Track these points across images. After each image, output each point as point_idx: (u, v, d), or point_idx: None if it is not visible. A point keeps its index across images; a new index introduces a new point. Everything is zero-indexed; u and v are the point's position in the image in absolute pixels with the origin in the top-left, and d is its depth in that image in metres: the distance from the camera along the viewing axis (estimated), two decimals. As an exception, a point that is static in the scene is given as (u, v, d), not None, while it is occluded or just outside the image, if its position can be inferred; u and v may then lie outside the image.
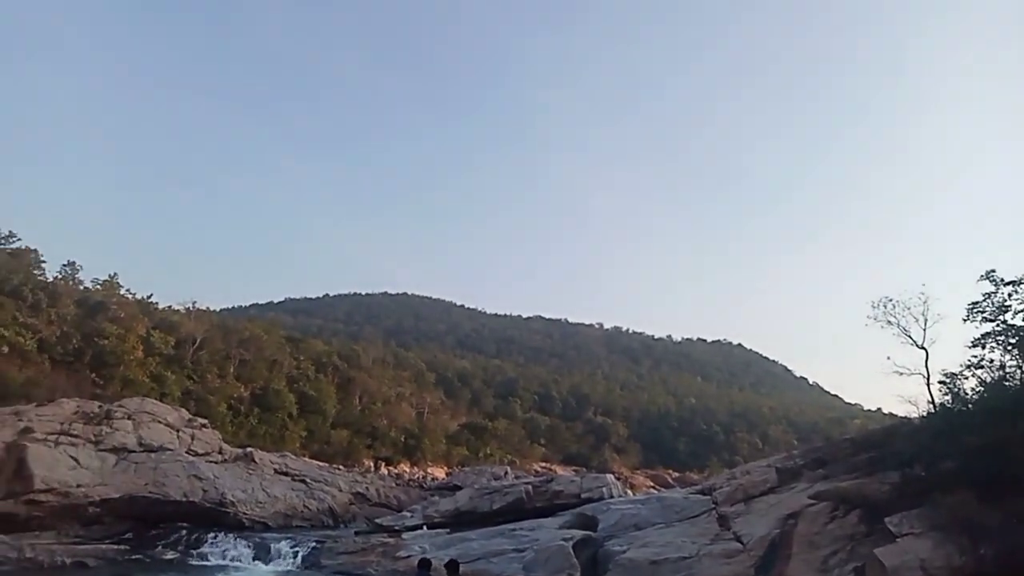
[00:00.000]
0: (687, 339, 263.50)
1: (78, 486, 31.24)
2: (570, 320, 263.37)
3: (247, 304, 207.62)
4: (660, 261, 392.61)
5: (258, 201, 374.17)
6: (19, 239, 75.26)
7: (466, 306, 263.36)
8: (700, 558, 20.38)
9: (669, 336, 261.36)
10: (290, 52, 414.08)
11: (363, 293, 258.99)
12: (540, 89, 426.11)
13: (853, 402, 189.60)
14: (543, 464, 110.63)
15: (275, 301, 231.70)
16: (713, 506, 25.43)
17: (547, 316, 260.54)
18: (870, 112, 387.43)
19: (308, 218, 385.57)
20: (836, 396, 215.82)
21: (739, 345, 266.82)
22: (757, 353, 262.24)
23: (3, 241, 74.33)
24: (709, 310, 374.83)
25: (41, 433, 32.71)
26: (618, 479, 46.19)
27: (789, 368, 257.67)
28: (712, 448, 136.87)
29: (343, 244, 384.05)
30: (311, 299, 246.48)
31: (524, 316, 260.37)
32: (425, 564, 14.23)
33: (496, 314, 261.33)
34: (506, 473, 56.22)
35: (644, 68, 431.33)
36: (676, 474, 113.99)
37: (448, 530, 31.53)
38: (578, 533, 24.80)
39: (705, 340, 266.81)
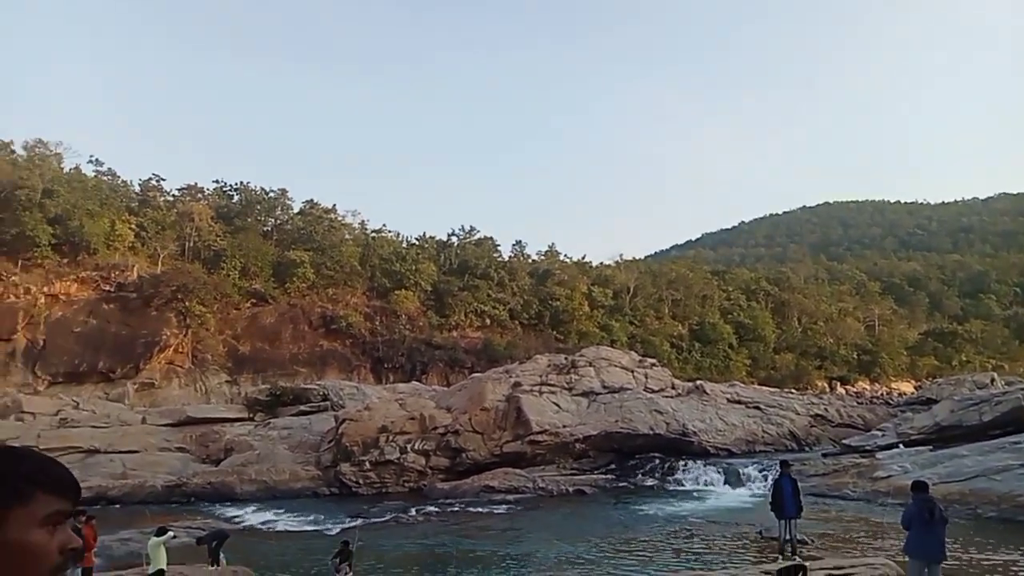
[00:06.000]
0: None
1: (564, 426, 36.46)
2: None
3: (667, 247, 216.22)
4: None
5: (656, 145, 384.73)
6: (479, 231, 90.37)
7: (902, 201, 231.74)
8: None
9: None
10: None
11: (779, 212, 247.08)
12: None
13: None
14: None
15: (692, 239, 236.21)
16: None
17: (1014, 191, 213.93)
18: None
19: (709, 151, 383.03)
20: None
21: None
22: None
23: (467, 235, 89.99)
24: None
25: (527, 385, 38.99)
26: None
27: None
28: None
29: (749, 168, 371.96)
30: (727, 229, 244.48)
31: (982, 197, 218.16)
32: (920, 486, 13.03)
33: (943, 203, 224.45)
34: (992, 381, 48.22)
35: None
36: None
37: (930, 447, 28.46)
38: (1115, 443, 20.08)
39: None
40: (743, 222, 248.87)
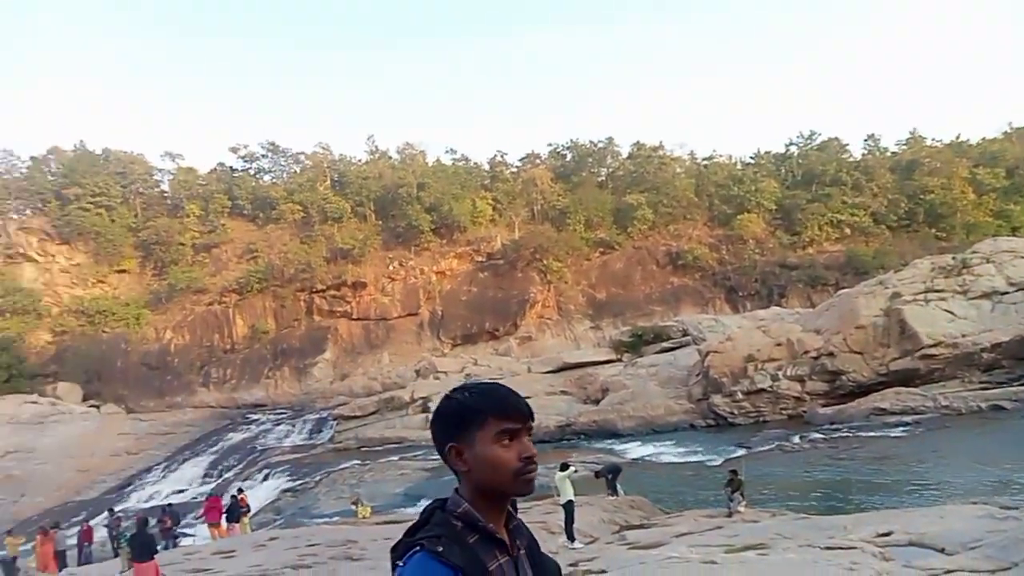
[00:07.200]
0: None
1: (962, 336, 31.74)
2: None
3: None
4: None
5: None
6: (820, 134, 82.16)
7: None
8: None
9: None
10: None
11: None
12: None
13: None
14: None
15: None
16: None
17: None
18: None
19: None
20: None
21: None
22: None
23: (808, 141, 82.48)
24: None
25: (908, 295, 34.66)
26: None
27: None
28: None
29: None
30: None
31: None
32: None
33: None
34: None
35: None
36: None
37: None
38: None
39: None
40: None
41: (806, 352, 34.97)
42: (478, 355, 59.51)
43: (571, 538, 13.93)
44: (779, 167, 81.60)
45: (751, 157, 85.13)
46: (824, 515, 14.97)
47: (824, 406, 32.85)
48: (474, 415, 1.73)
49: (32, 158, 79.22)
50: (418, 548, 1.59)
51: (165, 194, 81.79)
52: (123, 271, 72.79)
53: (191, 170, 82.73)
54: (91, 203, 72.21)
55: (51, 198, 74.04)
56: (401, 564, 1.60)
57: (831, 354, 34.10)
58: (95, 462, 47.94)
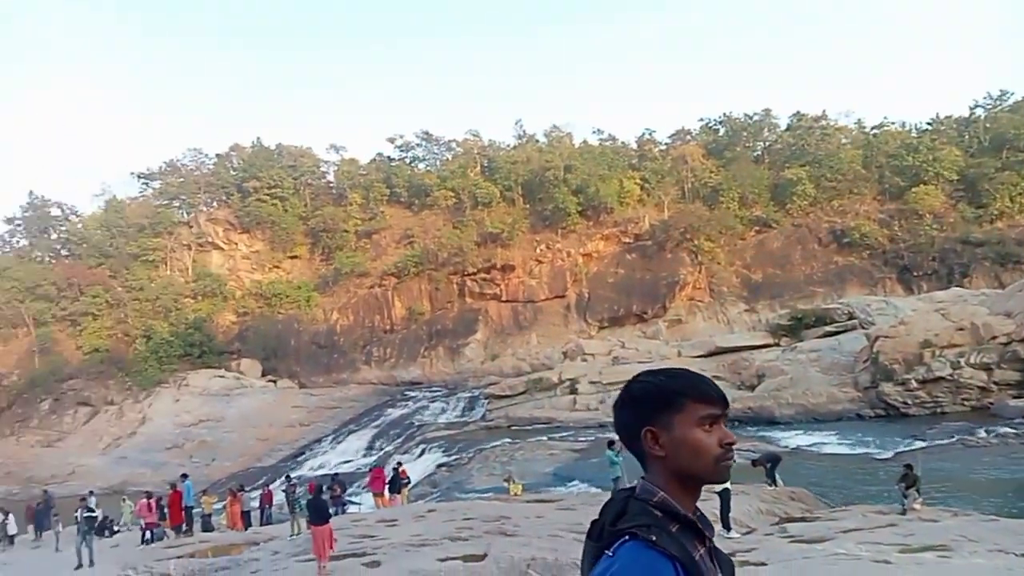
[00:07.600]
0: None
1: None
2: None
3: None
4: None
5: None
6: (1012, 93, 73.25)
7: None
8: None
9: None
10: None
11: None
12: None
13: None
14: None
15: None
16: None
17: None
18: None
19: None
20: None
21: None
22: None
23: (996, 102, 73.87)
24: None
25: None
26: None
27: None
28: None
29: None
30: None
31: None
32: None
33: None
34: None
35: None
36: None
37: None
38: None
39: None
40: None
41: (994, 338, 31.52)
42: (625, 338, 58.86)
43: (727, 527, 13.47)
44: (962, 133, 73.84)
45: (928, 123, 77.67)
46: (1017, 518, 13.46)
47: (1016, 397, 29.52)
48: (674, 399, 1.66)
49: (217, 155, 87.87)
50: (627, 537, 1.51)
51: (331, 184, 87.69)
52: (295, 257, 79.06)
53: (353, 161, 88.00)
54: (267, 195, 78.83)
55: (233, 191, 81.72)
56: (609, 554, 1.51)
57: (1025, 340, 30.52)
58: (273, 432, 52.61)
